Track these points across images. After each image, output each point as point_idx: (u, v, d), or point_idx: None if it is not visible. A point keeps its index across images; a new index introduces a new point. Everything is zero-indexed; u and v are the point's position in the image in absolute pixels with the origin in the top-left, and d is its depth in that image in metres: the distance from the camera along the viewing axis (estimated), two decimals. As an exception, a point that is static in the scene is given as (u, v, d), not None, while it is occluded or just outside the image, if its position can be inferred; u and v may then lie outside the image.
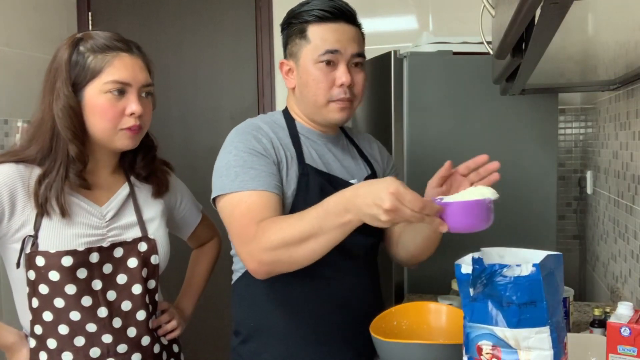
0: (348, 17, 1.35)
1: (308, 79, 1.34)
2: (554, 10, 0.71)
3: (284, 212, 1.30)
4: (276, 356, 1.37)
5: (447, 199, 1.08)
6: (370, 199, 1.05)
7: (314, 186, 1.32)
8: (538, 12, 0.75)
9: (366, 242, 1.41)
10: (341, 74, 1.32)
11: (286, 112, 1.44)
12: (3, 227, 1.23)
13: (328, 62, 1.32)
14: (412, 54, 2.12)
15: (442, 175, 1.29)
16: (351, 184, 1.35)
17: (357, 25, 1.38)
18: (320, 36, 1.32)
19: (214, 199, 1.32)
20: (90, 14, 3.10)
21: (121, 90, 1.25)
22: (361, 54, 1.37)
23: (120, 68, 1.26)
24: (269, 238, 1.19)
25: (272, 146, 1.32)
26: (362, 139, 1.57)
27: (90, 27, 3.08)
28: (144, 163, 1.38)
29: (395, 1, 2.80)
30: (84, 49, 1.26)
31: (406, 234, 1.47)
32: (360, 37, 1.38)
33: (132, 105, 1.26)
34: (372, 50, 2.49)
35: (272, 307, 1.36)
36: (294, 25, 1.36)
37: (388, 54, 2.14)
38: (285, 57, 1.41)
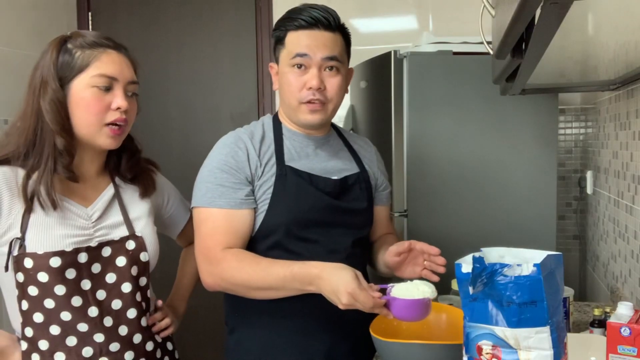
0: (325, 24, 1.40)
1: (283, 81, 1.43)
2: (554, 10, 0.71)
3: (256, 214, 1.39)
4: (256, 344, 1.44)
5: (396, 288, 1.23)
6: (330, 288, 1.21)
7: (291, 185, 1.39)
8: (538, 12, 0.75)
9: (352, 238, 1.46)
10: (311, 77, 1.38)
11: (276, 115, 1.52)
12: None
13: (300, 66, 1.39)
14: (412, 54, 2.12)
15: (400, 251, 1.39)
16: (332, 180, 1.44)
17: (338, 31, 1.42)
18: (293, 42, 1.40)
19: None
20: (90, 14, 3.10)
21: (107, 86, 1.26)
22: (334, 58, 1.40)
23: (107, 63, 1.26)
24: (232, 274, 1.33)
25: (247, 158, 1.39)
26: (357, 140, 1.61)
27: (90, 27, 3.08)
28: (128, 166, 1.39)
29: (395, 1, 2.79)
30: (72, 46, 1.26)
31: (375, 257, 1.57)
32: (338, 43, 1.42)
33: (118, 99, 1.26)
34: (372, 50, 2.49)
35: (255, 300, 1.38)
36: (278, 31, 1.45)
37: (388, 54, 2.14)
38: (273, 60, 1.50)
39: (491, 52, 1.23)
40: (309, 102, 1.39)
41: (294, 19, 1.41)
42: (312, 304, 1.33)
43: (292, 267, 1.28)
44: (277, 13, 2.91)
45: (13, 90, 2.52)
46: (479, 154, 2.15)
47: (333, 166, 1.48)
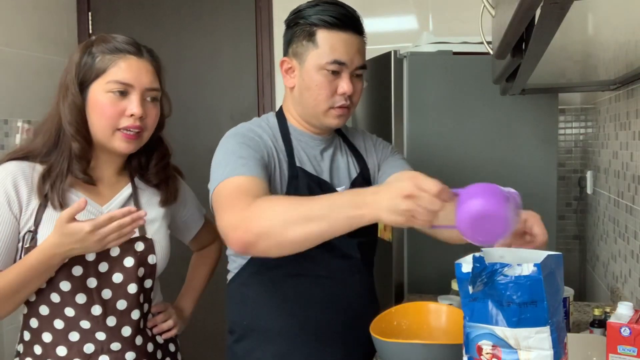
0: (356, 27, 1.36)
1: (311, 83, 1.34)
2: (554, 10, 0.71)
3: None
4: (268, 354, 1.39)
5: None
6: (388, 192, 1.03)
7: (303, 188, 1.34)
8: (538, 12, 0.75)
9: (357, 242, 1.41)
10: (344, 84, 1.33)
11: (280, 114, 1.45)
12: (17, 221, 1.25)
13: (334, 72, 1.33)
14: (412, 54, 2.12)
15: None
16: (338, 190, 1.38)
17: (363, 34, 1.39)
18: (330, 44, 1.32)
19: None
20: (90, 14, 3.10)
21: (123, 91, 1.26)
22: (364, 66, 1.38)
23: (124, 69, 1.27)
24: (267, 212, 1.11)
25: (263, 146, 1.32)
26: (357, 136, 1.56)
27: (90, 27, 3.08)
28: (156, 170, 1.40)
29: (395, 1, 2.79)
30: (96, 51, 1.28)
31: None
32: (364, 47, 1.39)
33: (132, 106, 1.27)
34: (372, 50, 2.48)
35: (264, 306, 1.37)
36: (302, 25, 1.34)
37: (388, 54, 2.14)
38: (287, 54, 1.39)
39: (491, 52, 1.23)
40: (339, 107, 1.35)
41: (326, 15, 1.31)
42: (327, 312, 1.31)
43: (336, 193, 1.16)
44: (277, 13, 2.91)
45: (13, 90, 2.52)
46: (478, 154, 2.15)
47: (338, 169, 1.45)
